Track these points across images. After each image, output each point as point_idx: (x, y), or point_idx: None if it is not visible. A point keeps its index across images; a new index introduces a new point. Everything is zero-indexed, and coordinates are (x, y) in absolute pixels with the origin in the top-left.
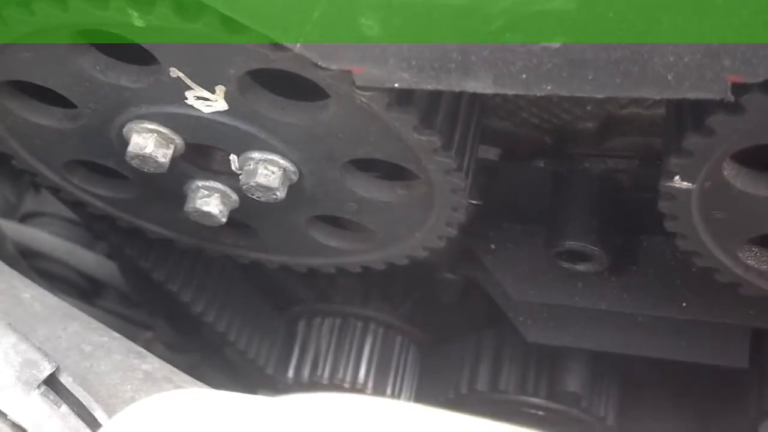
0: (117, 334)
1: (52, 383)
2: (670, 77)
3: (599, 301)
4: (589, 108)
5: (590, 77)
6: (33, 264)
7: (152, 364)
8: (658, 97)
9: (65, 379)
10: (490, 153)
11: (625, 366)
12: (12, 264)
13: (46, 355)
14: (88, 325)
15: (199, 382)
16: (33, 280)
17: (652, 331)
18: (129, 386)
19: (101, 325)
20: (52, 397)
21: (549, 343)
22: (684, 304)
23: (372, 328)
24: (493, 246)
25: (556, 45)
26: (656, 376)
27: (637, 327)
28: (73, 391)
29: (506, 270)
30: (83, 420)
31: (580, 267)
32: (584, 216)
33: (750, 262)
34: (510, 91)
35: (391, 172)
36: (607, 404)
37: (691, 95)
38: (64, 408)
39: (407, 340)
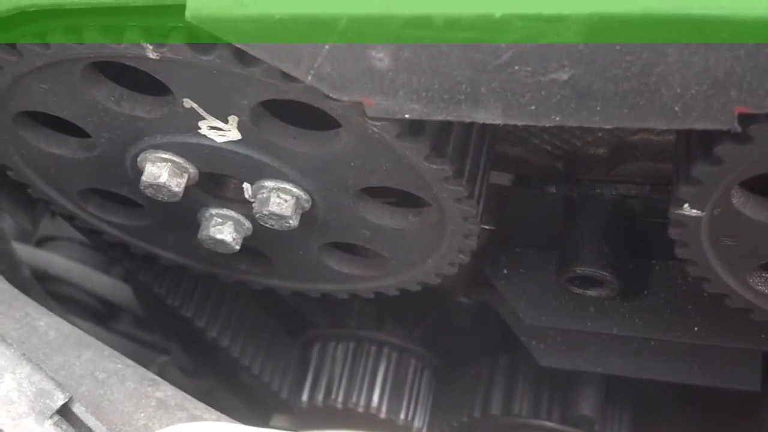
0: (131, 362)
1: (65, 413)
2: (677, 108)
3: (611, 325)
4: (600, 134)
5: (598, 108)
6: (49, 288)
7: (166, 391)
8: (665, 128)
9: (78, 409)
10: (503, 179)
11: (639, 389)
12: (27, 289)
13: (59, 385)
14: (102, 352)
15: (212, 409)
16: (49, 304)
17: (665, 355)
18: (142, 414)
19: (115, 353)
20: (65, 426)
21: (562, 367)
22: (695, 329)
23: (386, 352)
24: (505, 271)
25: (564, 77)
26: (670, 399)
27: (650, 351)
28: (86, 421)
29: (519, 295)
30: None
31: (592, 292)
32: (595, 242)
33: (760, 287)
34: (519, 122)
35: (404, 198)
36: (620, 427)
37: (699, 126)
38: None
39: (421, 364)
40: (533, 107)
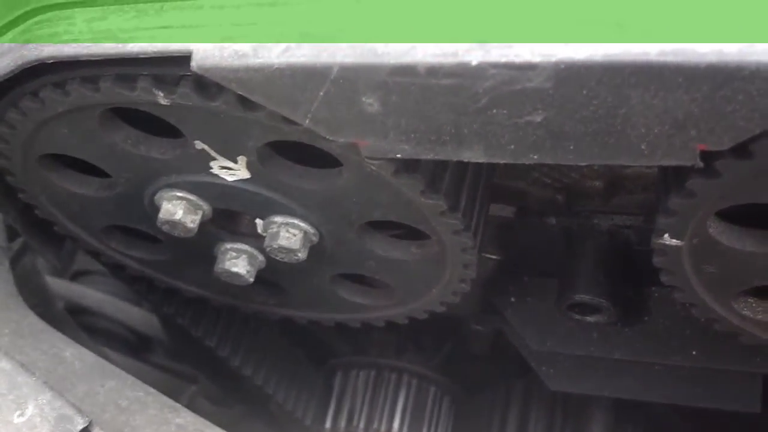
0: (153, 390)
1: None
2: (643, 147)
3: (614, 350)
4: (596, 168)
5: (571, 147)
6: (84, 321)
7: (185, 417)
8: (635, 165)
9: None
10: (506, 211)
11: (651, 411)
12: (60, 322)
13: (79, 410)
14: (125, 381)
15: None
16: (81, 336)
17: (668, 378)
18: None
19: (138, 381)
20: None
21: (571, 391)
22: (694, 353)
23: (406, 379)
24: (513, 299)
25: (538, 119)
26: (680, 420)
27: (654, 374)
28: None
29: (525, 322)
30: None
31: (591, 319)
32: (593, 270)
33: (745, 312)
34: (501, 161)
35: (410, 230)
36: None
37: (665, 162)
38: None
39: (440, 391)
40: (512, 147)
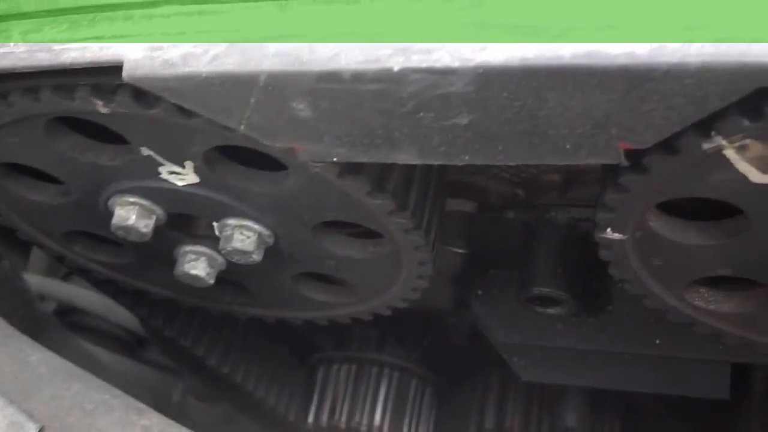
0: (118, 392)
1: None
2: (568, 146)
3: (579, 341)
4: None
5: (500, 148)
6: (77, 319)
7: (150, 419)
8: (562, 164)
9: None
10: (467, 206)
11: (627, 399)
12: (43, 323)
13: (31, 416)
14: (91, 384)
15: None
16: (70, 336)
17: (637, 366)
18: None
19: (104, 384)
20: None
21: (542, 381)
22: (657, 341)
23: (387, 372)
24: (480, 291)
25: (464, 121)
26: (657, 407)
27: (623, 363)
28: None
29: (492, 314)
30: None
31: (551, 310)
32: (551, 263)
33: (698, 302)
34: (435, 162)
35: (367, 229)
36: None
37: (591, 161)
38: None
39: (422, 383)
40: (443, 149)
